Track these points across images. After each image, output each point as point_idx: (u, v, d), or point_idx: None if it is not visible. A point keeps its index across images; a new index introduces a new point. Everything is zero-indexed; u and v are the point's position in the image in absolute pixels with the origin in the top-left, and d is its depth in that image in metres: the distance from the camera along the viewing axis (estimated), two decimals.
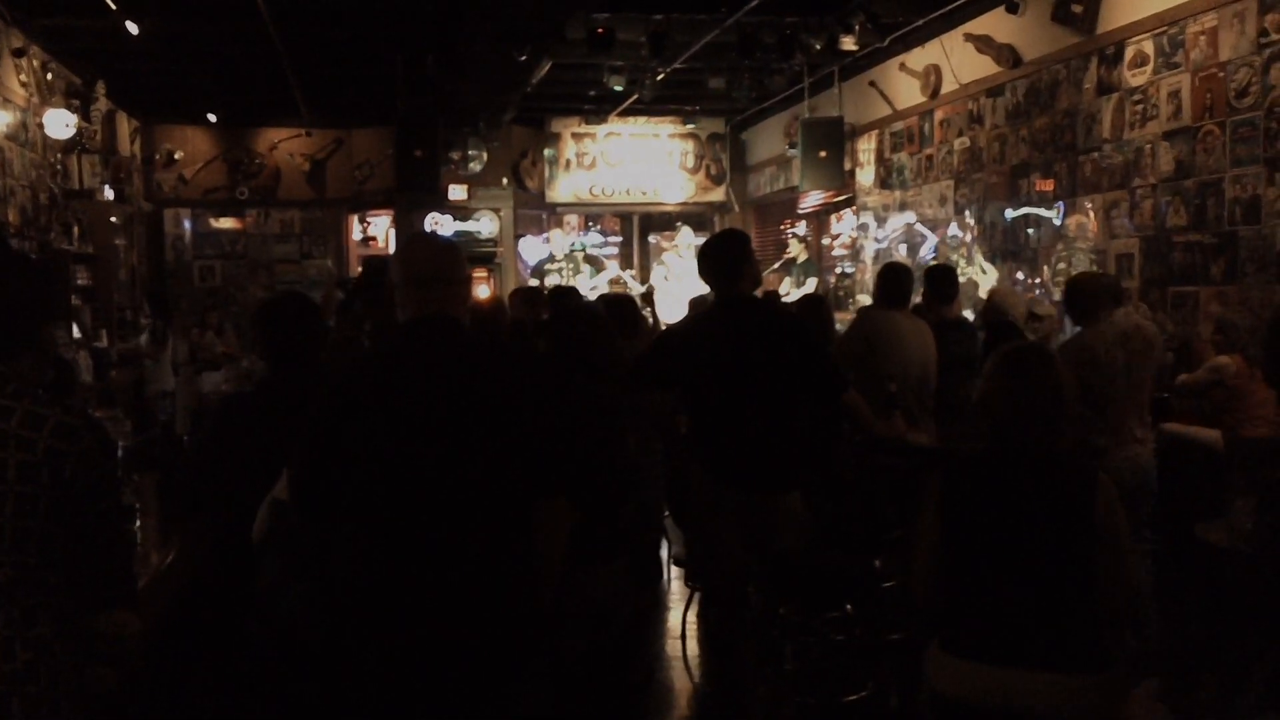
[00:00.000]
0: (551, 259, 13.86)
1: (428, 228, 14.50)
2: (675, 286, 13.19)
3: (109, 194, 11.82)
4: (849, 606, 4.66)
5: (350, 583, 2.61)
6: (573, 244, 14.21)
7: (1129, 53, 7.90)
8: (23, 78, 9.60)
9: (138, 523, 3.83)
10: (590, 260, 13.87)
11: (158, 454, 4.78)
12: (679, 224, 14.74)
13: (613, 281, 13.15)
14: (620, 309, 5.70)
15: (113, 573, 2.32)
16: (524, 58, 10.06)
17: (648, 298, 9.73)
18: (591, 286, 12.57)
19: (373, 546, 2.58)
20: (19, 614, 2.15)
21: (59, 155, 10.52)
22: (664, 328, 8.70)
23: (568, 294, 7.49)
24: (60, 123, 9.97)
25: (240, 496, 3.06)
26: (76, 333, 9.24)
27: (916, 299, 6.33)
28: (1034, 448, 2.87)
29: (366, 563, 2.59)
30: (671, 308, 12.38)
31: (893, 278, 5.99)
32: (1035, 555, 2.79)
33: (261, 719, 3.07)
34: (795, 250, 13.12)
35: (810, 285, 12.37)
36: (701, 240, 14.90)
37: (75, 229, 10.49)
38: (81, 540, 2.23)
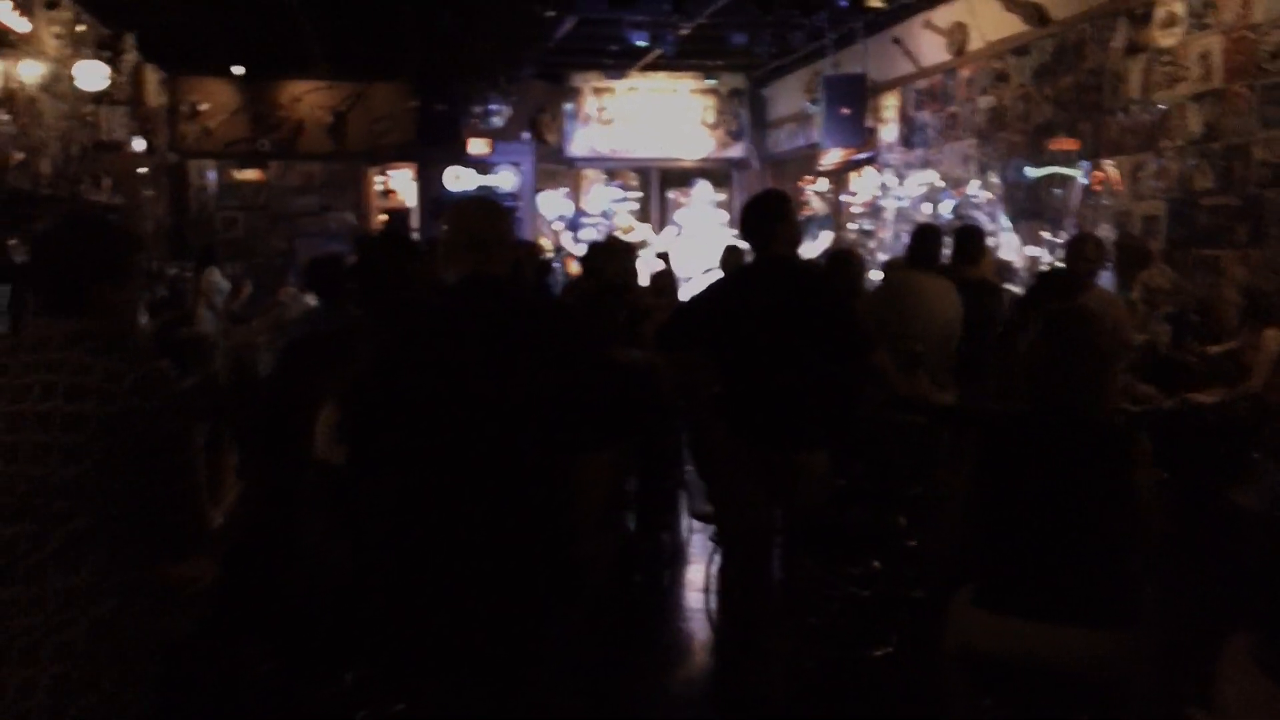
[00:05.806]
0: (585, 214, 13.90)
1: (449, 182, 14.56)
2: (690, 243, 13.22)
3: (139, 145, 11.86)
4: (875, 563, 4.74)
5: (392, 531, 2.71)
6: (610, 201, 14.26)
7: (1159, 13, 7.87)
8: (55, 29, 9.62)
9: None
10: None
11: (204, 402, 4.86)
12: (695, 180, 14.73)
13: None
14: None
15: (188, 521, 2.38)
16: (551, 14, 10.05)
17: (664, 257, 9.90)
18: None
19: (417, 495, 2.67)
20: (105, 562, 2.22)
21: (91, 107, 10.56)
22: (678, 281, 8.80)
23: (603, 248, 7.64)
24: (94, 74, 9.96)
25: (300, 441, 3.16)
26: None
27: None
28: (1076, 411, 2.94)
29: (409, 511, 2.68)
30: (687, 263, 12.38)
31: (921, 239, 6.04)
32: (1073, 514, 2.88)
33: (307, 667, 3.19)
34: (815, 207, 13.17)
35: (825, 239, 12.38)
36: (718, 197, 14.99)
37: (105, 181, 10.56)
38: (158, 490, 2.29)
